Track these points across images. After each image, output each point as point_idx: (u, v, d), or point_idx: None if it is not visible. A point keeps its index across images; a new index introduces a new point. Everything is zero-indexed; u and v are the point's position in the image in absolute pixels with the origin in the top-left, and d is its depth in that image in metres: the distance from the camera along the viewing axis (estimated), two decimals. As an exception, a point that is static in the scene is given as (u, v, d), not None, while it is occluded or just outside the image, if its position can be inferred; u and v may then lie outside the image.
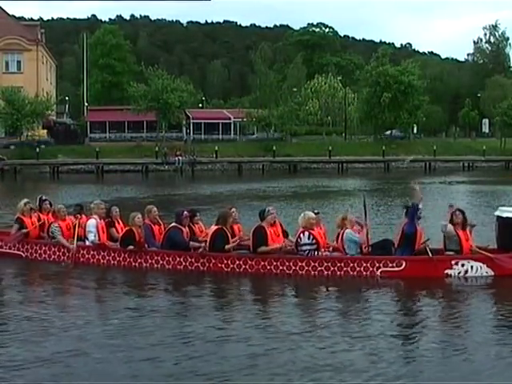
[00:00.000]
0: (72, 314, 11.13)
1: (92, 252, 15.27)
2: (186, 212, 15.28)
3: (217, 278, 13.92)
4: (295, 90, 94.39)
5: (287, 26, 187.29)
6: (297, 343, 9.37)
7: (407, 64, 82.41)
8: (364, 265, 13.74)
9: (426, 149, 75.65)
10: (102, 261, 15.19)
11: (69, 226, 15.72)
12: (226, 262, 14.31)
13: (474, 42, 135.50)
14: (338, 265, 13.80)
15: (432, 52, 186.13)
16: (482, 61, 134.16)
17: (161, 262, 14.75)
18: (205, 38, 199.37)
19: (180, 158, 64.97)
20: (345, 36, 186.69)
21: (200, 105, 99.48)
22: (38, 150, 64.59)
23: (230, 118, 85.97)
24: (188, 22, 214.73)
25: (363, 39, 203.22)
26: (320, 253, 14.10)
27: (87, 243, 15.35)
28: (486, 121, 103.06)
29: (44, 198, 17.23)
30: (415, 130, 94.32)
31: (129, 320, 10.67)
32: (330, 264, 13.81)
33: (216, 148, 69.17)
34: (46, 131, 72.52)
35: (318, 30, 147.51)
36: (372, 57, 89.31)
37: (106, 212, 15.76)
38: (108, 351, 9.08)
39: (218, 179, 54.58)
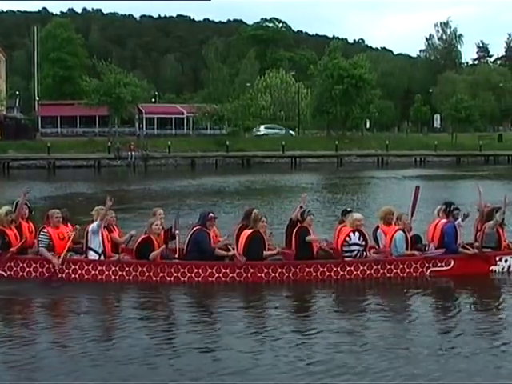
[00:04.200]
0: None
1: (100, 267, 13.22)
2: (211, 214, 13.69)
3: (256, 289, 12.69)
4: (248, 84, 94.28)
5: (241, 20, 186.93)
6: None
7: (358, 57, 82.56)
8: (414, 266, 13.54)
9: (378, 143, 76.30)
10: (113, 277, 13.18)
11: (62, 234, 13.45)
12: (266, 271, 13.17)
13: (426, 38, 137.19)
14: (388, 267, 13.48)
15: (385, 48, 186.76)
16: (433, 57, 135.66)
17: (188, 275, 13.11)
18: (158, 32, 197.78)
19: (133, 152, 64.38)
20: (298, 31, 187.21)
21: (153, 99, 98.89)
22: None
23: (183, 113, 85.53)
24: (141, 16, 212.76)
25: (316, 34, 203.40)
26: (366, 254, 13.59)
27: (92, 255, 13.36)
28: (437, 116, 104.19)
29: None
30: (367, 125, 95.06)
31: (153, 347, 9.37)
32: (379, 266, 13.43)
33: (169, 143, 68.64)
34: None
35: (271, 25, 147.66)
36: (325, 51, 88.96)
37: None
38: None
39: (171, 174, 54.19)
